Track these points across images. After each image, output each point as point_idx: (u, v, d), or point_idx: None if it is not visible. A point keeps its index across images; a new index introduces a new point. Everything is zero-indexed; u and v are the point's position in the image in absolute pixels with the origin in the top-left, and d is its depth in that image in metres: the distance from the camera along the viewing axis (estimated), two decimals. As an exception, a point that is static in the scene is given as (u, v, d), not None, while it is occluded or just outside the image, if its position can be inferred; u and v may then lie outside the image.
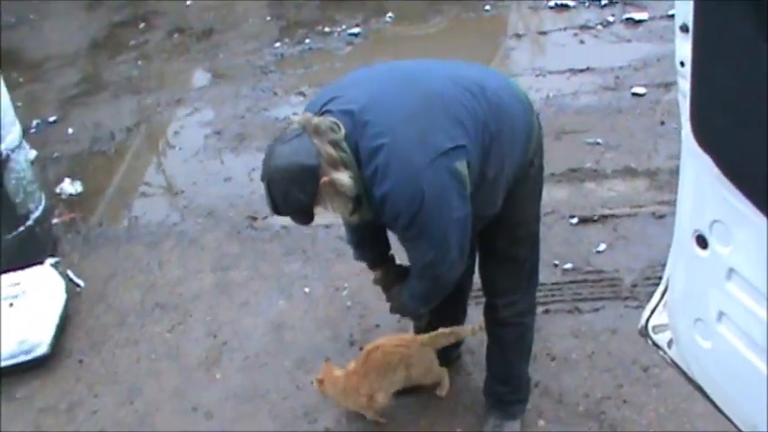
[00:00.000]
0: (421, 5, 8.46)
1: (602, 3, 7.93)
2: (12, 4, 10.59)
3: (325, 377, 4.03)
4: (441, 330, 3.94)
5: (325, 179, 2.87)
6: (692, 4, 1.78)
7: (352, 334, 4.71)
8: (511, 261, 3.55)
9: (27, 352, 4.81)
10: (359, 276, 5.11)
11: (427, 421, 4.11)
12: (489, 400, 4.02)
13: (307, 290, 5.08)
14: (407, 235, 3.03)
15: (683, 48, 1.88)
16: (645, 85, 6.44)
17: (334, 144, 2.88)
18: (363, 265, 5.11)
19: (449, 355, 4.24)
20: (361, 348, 4.58)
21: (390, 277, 3.74)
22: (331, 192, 2.92)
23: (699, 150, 1.89)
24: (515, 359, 3.89)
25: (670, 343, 2.50)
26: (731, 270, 1.98)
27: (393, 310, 3.74)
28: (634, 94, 6.39)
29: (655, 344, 2.58)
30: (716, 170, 1.85)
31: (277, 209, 2.96)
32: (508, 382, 3.93)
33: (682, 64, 1.91)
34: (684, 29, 1.86)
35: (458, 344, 4.27)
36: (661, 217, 5.00)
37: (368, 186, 2.94)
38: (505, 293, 3.63)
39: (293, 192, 2.87)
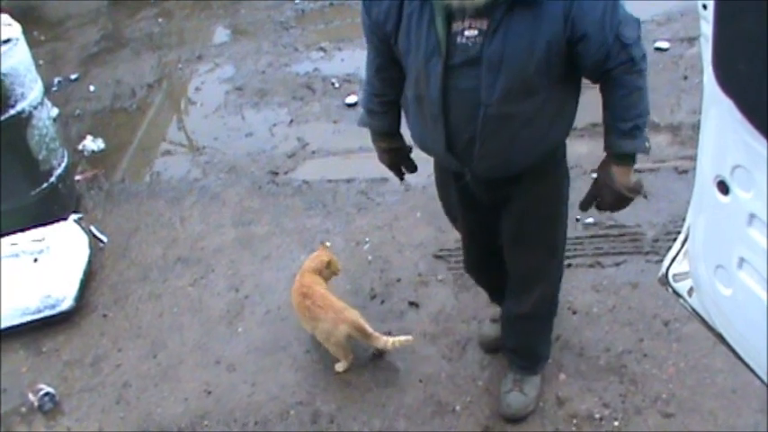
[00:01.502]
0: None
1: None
2: (32, -38, 10.60)
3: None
4: (363, 326, 4.09)
5: None
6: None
7: (373, 288, 4.73)
8: (543, 246, 3.52)
9: (52, 306, 4.85)
10: (380, 230, 5.14)
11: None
12: (508, 357, 4.02)
13: (328, 244, 5.08)
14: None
15: (706, -10, 1.86)
16: (668, 40, 6.38)
17: None
18: (385, 219, 5.19)
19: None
20: (382, 302, 4.62)
21: (402, 153, 3.60)
22: None
23: (721, 95, 1.87)
24: (541, 341, 3.92)
25: (690, 291, 2.49)
26: (752, 215, 1.96)
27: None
28: (657, 49, 6.33)
29: (675, 292, 2.57)
30: (738, 114, 1.83)
31: None
32: (530, 358, 3.94)
33: (704, 7, 1.89)
34: (709, -30, 1.84)
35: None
36: (683, 172, 4.97)
37: None
38: (537, 285, 3.62)
39: None
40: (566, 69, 2.91)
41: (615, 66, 2.88)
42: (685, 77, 5.86)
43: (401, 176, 3.72)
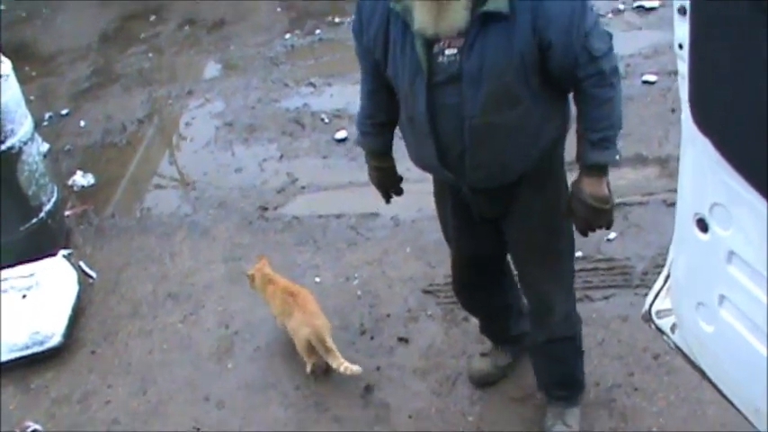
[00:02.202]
0: (431, -5, 8.38)
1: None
2: (24, -1, 10.65)
3: (257, 274, 4.70)
4: (324, 338, 4.26)
5: None
6: (689, -15, 1.79)
7: (363, 323, 4.74)
8: (554, 256, 3.53)
9: (40, 343, 4.85)
10: (370, 266, 5.15)
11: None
12: (545, 391, 4.00)
13: (318, 279, 5.10)
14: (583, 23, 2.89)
15: (681, 29, 1.88)
16: (656, 73, 6.42)
17: None
18: (375, 254, 5.20)
19: (524, 343, 4.19)
20: (372, 338, 4.63)
21: (390, 175, 3.67)
22: None
23: (698, 133, 1.90)
24: (575, 366, 3.89)
25: (673, 327, 2.50)
26: (731, 253, 1.98)
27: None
28: (645, 82, 6.37)
29: (658, 329, 2.59)
30: (715, 153, 1.85)
31: None
32: (570, 387, 3.92)
33: (680, 47, 1.92)
34: (682, 11, 1.86)
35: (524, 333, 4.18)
36: (672, 205, 4.93)
37: None
38: (557, 303, 3.61)
39: None
40: (545, 77, 2.99)
41: (584, 77, 2.95)
42: (673, 110, 5.89)
43: (387, 198, 3.76)
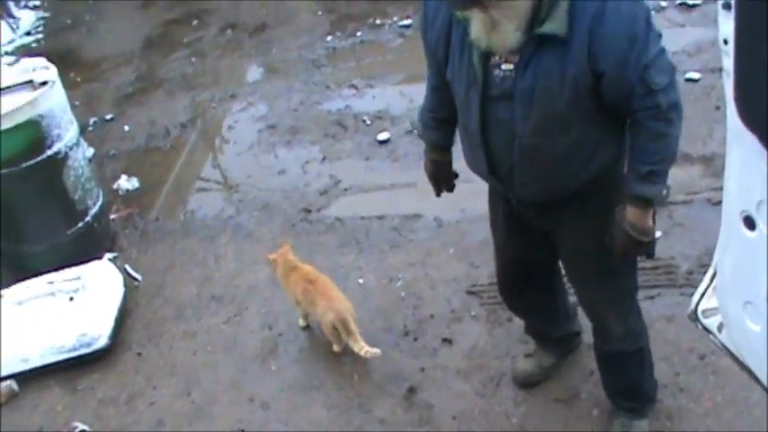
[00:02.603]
0: (471, -4, 8.37)
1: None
2: (69, 6, 10.77)
3: (279, 259, 4.81)
4: (347, 322, 4.39)
5: None
6: (733, -21, 1.76)
7: (406, 325, 4.73)
8: (607, 277, 3.43)
9: (87, 345, 4.89)
10: (413, 267, 5.14)
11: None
12: (612, 400, 3.93)
13: (361, 281, 5.10)
14: (644, 55, 2.73)
15: (726, 25, 1.86)
16: (699, 71, 6.37)
17: None
18: (418, 255, 5.19)
19: (569, 344, 4.21)
20: (415, 339, 4.62)
21: (445, 169, 3.63)
22: None
23: (744, 129, 1.87)
24: (641, 378, 3.80)
25: (720, 327, 2.47)
26: (780, 251, 1.95)
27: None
28: (688, 80, 6.32)
29: (705, 328, 2.56)
30: (762, 149, 1.83)
31: None
32: (636, 398, 3.84)
33: (725, 42, 1.89)
34: (727, 6, 1.84)
35: (578, 333, 4.22)
36: (717, 203, 4.93)
37: None
38: (614, 324, 3.54)
39: None
40: (599, 103, 2.88)
41: (640, 109, 2.83)
42: (717, 108, 5.84)
43: (438, 191, 3.72)
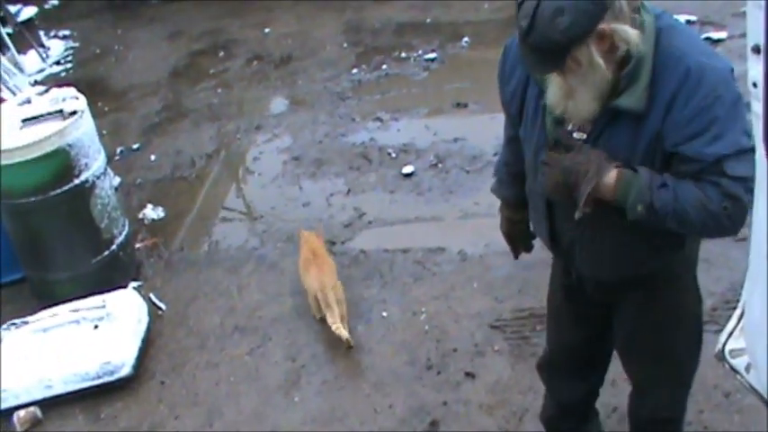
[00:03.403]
0: (496, 30, 8.47)
1: (681, 23, 7.87)
2: (98, 36, 10.89)
3: (308, 236, 5.42)
4: (326, 297, 4.89)
5: (605, 26, 2.49)
6: (763, 25, 1.77)
7: (430, 358, 4.73)
8: (667, 364, 3.29)
9: (111, 373, 4.91)
10: (437, 300, 5.15)
11: None
12: None
13: (384, 314, 5.11)
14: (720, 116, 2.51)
15: (756, 69, 1.86)
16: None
17: (632, 5, 2.56)
18: (441, 289, 5.20)
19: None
20: (438, 373, 4.62)
21: (521, 228, 3.43)
22: (604, 44, 2.53)
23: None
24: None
25: (748, 367, 2.46)
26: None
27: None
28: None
29: (732, 368, 2.55)
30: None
31: (531, 27, 2.49)
32: None
33: (754, 85, 1.90)
34: (756, 50, 1.84)
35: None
36: (741, 239, 4.89)
37: (658, 64, 2.58)
38: (669, 397, 3.41)
39: (564, 17, 2.44)
40: None
41: (703, 178, 2.57)
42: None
43: (515, 253, 3.54)
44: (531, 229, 3.34)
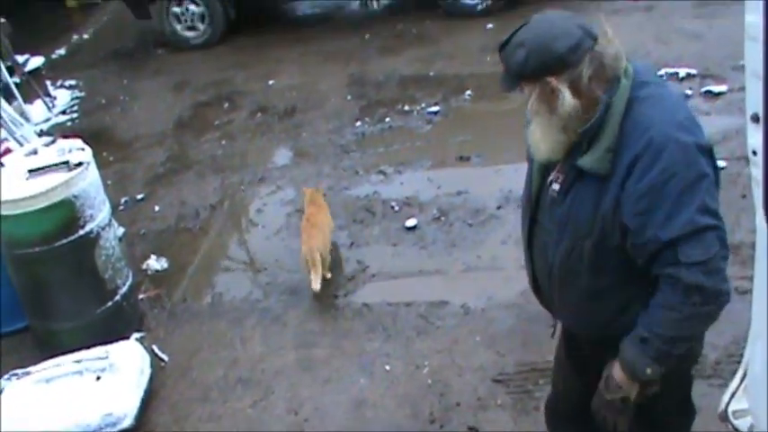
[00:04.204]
0: (498, 83, 8.44)
1: (681, 76, 7.92)
2: (103, 86, 10.96)
3: (309, 192, 6.44)
4: (314, 258, 5.79)
5: (553, 80, 2.65)
6: (762, 93, 1.80)
7: (432, 412, 4.73)
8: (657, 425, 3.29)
9: (112, 425, 4.89)
10: (440, 354, 5.15)
11: None
12: None
13: (387, 367, 5.11)
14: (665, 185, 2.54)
15: (755, 137, 1.88)
16: (725, 158, 6.36)
17: (607, 74, 2.67)
18: (444, 342, 5.20)
19: None
20: (442, 426, 4.61)
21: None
22: (545, 94, 2.69)
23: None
24: None
25: (751, 429, 2.46)
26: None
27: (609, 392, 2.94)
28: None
29: (736, 429, 2.55)
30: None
31: (503, 45, 2.74)
32: None
33: (754, 153, 1.92)
34: (755, 118, 1.86)
35: None
36: (744, 292, 4.90)
37: (630, 103, 2.66)
38: None
39: (520, 52, 2.66)
40: (629, 256, 2.74)
41: (660, 274, 2.65)
42: (743, 196, 5.83)
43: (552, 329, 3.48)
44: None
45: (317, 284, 5.73)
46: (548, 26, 2.70)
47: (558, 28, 2.67)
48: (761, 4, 1.74)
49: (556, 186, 2.84)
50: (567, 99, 2.64)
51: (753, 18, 1.77)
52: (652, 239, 2.58)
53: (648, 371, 2.74)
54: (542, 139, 2.78)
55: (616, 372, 2.85)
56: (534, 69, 2.65)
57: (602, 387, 2.92)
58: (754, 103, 1.84)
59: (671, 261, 2.58)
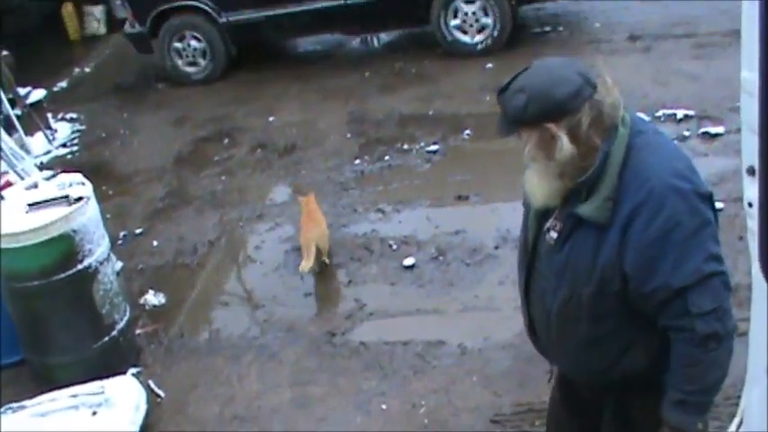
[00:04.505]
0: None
1: (678, 117, 7.94)
2: (104, 119, 11.01)
3: (305, 200, 6.84)
4: (308, 248, 6.43)
5: (552, 127, 2.66)
6: (757, 148, 1.83)
7: (429, 453, 4.72)
8: None
9: (108, 461, 4.89)
10: (437, 394, 5.15)
11: None
12: None
13: (384, 406, 5.11)
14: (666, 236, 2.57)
15: (750, 189, 1.90)
16: (723, 200, 6.35)
17: (605, 122, 2.69)
18: (441, 382, 5.21)
19: None
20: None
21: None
22: (544, 141, 2.70)
23: None
24: None
25: (749, 473, 2.47)
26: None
27: None
28: (712, 210, 6.33)
29: (734, 473, 2.55)
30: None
31: (503, 90, 2.75)
32: None
33: (750, 205, 1.94)
34: (751, 171, 1.89)
35: None
36: (742, 334, 4.90)
37: (628, 151, 2.68)
38: None
39: (520, 97, 2.67)
40: (630, 305, 2.75)
41: (671, 327, 2.68)
42: (741, 238, 5.82)
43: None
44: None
45: (305, 267, 6.42)
46: (548, 72, 2.73)
47: (559, 75, 2.70)
48: (756, 60, 1.76)
49: (553, 234, 2.85)
50: (566, 146, 2.66)
51: (748, 74, 1.79)
52: (662, 287, 2.60)
53: (699, 425, 2.79)
54: (539, 186, 2.80)
55: None
56: (534, 115, 2.67)
57: None
58: (749, 157, 1.86)
59: (681, 312, 2.61)
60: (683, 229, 2.56)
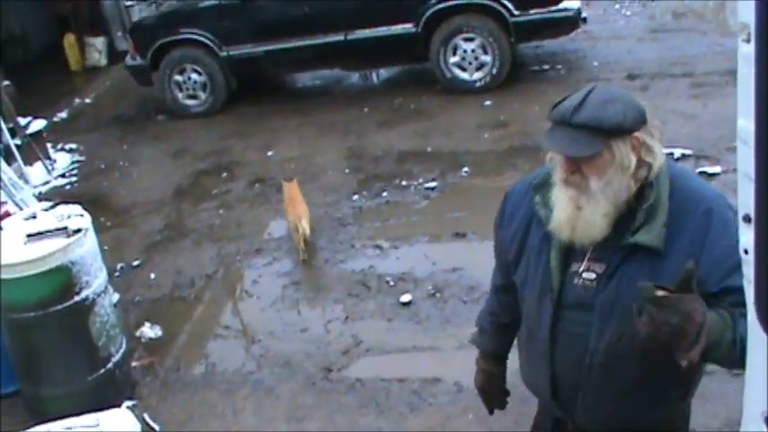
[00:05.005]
0: (496, 160, 8.62)
1: (675, 156, 7.97)
2: (103, 150, 11.06)
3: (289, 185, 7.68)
4: (297, 227, 7.35)
5: (639, 135, 2.60)
6: (753, 195, 1.84)
7: (425, 490, 4.71)
8: None
9: (101, 496, 4.86)
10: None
11: None
12: None
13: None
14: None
15: (746, 236, 1.92)
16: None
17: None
18: (437, 420, 5.21)
19: None
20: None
21: (496, 383, 3.43)
22: (636, 152, 2.61)
23: (765, 336, 1.92)
24: None
25: None
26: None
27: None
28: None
29: None
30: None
31: (581, 106, 2.59)
32: None
33: (746, 252, 1.95)
34: (747, 219, 1.90)
35: None
36: (738, 375, 4.93)
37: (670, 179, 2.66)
38: None
39: (616, 105, 2.59)
40: None
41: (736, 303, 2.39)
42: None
43: (490, 408, 3.54)
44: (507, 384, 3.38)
45: (301, 245, 7.35)
46: (609, 89, 2.70)
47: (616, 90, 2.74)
48: (752, 109, 1.79)
49: (590, 275, 2.73)
50: (632, 163, 2.60)
51: (744, 123, 1.81)
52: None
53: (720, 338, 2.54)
54: (598, 214, 2.63)
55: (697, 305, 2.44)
56: (633, 122, 2.60)
57: (688, 302, 2.43)
58: (744, 204, 1.88)
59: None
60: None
